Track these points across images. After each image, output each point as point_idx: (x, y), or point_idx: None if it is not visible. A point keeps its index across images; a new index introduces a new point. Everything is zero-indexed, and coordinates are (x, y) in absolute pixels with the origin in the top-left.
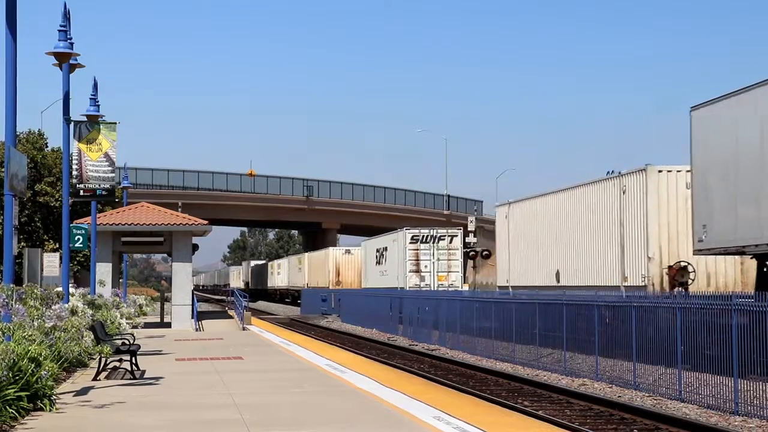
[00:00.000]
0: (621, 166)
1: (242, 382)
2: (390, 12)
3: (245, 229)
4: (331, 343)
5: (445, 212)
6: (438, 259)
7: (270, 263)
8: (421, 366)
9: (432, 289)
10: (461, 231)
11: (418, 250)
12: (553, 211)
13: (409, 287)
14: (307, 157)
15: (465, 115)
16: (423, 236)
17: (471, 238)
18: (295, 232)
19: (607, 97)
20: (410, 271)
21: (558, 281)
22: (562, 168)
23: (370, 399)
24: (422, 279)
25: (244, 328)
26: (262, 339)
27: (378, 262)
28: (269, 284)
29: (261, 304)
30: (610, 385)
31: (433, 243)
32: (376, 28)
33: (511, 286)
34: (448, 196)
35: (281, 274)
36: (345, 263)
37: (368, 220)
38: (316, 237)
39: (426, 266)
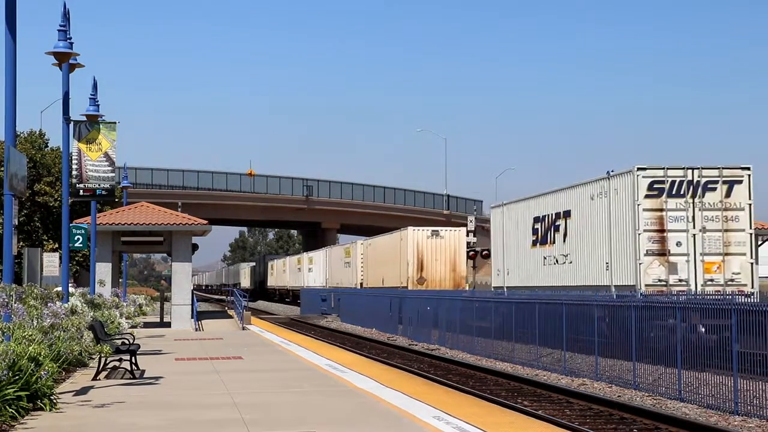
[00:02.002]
0: (621, 166)
1: (242, 382)
2: (390, 11)
3: (245, 229)
4: (330, 343)
5: (445, 212)
6: (704, 229)
7: (286, 259)
8: (421, 366)
9: (693, 288)
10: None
11: (662, 210)
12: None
13: (646, 286)
14: (307, 157)
15: (465, 115)
16: (673, 182)
17: (471, 238)
18: (295, 231)
19: (607, 97)
20: (649, 253)
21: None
22: (562, 168)
23: (370, 399)
24: (672, 268)
25: (243, 328)
26: (262, 339)
27: (542, 240)
28: (287, 283)
29: (277, 308)
30: (610, 385)
31: (695, 196)
32: (376, 28)
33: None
34: (448, 196)
35: (314, 270)
36: (431, 251)
37: (368, 220)
38: (315, 237)
39: (679, 243)
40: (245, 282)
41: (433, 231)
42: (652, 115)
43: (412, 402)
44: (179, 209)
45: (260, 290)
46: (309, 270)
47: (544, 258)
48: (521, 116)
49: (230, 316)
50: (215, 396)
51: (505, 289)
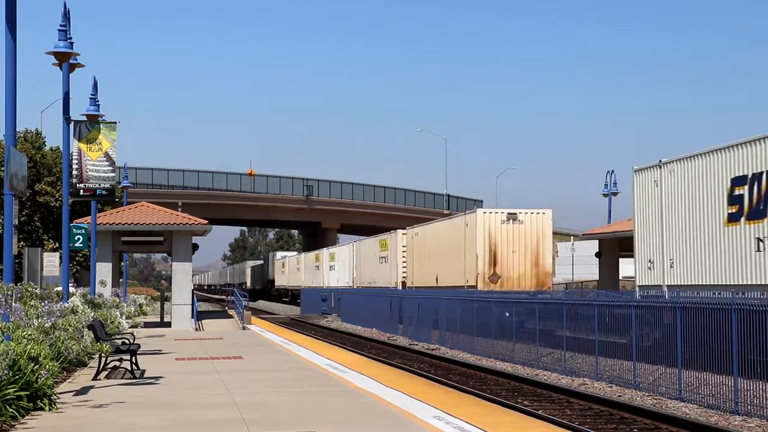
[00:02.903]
0: (621, 166)
1: (242, 382)
2: (390, 11)
3: (245, 229)
4: (331, 343)
5: (445, 212)
6: None
7: (301, 256)
8: (421, 366)
9: None
10: None
11: None
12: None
13: None
14: (307, 157)
15: (465, 114)
16: None
17: None
18: (295, 231)
19: (607, 97)
20: None
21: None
22: (562, 168)
23: (370, 398)
24: None
25: (244, 328)
26: (263, 338)
27: (753, 212)
28: (302, 282)
29: (277, 308)
30: (610, 385)
31: None
32: (376, 28)
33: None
34: (448, 195)
35: (336, 268)
36: (508, 240)
37: (368, 220)
38: (315, 237)
39: None
40: (252, 282)
41: (509, 214)
42: (652, 115)
43: (413, 402)
44: (179, 209)
45: (268, 291)
46: (330, 268)
47: (759, 241)
48: (521, 116)
49: (230, 316)
50: (215, 396)
51: (665, 289)
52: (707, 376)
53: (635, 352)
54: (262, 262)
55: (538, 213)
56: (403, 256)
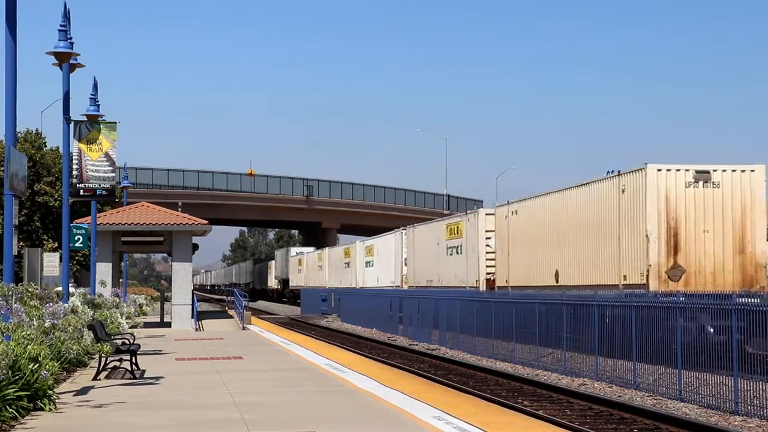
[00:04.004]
0: (621, 166)
1: (242, 382)
2: (390, 11)
3: (245, 229)
4: (331, 343)
5: (445, 212)
6: None
7: (324, 251)
8: (421, 366)
9: None
10: None
11: None
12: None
13: None
14: (307, 157)
15: (465, 114)
16: None
17: None
18: (295, 231)
19: (607, 97)
20: None
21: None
22: (563, 168)
23: (370, 399)
24: None
25: (244, 328)
26: (263, 339)
27: None
28: (325, 283)
29: (277, 308)
30: (610, 385)
31: None
32: (376, 28)
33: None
34: (448, 195)
35: (376, 264)
36: (696, 213)
37: (368, 220)
38: (316, 237)
39: None
40: (259, 281)
41: (698, 172)
42: (652, 115)
43: (413, 402)
44: (179, 209)
45: (281, 292)
46: (367, 264)
47: None
48: (521, 116)
49: (230, 316)
50: (215, 396)
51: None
52: (707, 377)
53: (635, 352)
54: (273, 259)
55: (742, 170)
56: (488, 245)
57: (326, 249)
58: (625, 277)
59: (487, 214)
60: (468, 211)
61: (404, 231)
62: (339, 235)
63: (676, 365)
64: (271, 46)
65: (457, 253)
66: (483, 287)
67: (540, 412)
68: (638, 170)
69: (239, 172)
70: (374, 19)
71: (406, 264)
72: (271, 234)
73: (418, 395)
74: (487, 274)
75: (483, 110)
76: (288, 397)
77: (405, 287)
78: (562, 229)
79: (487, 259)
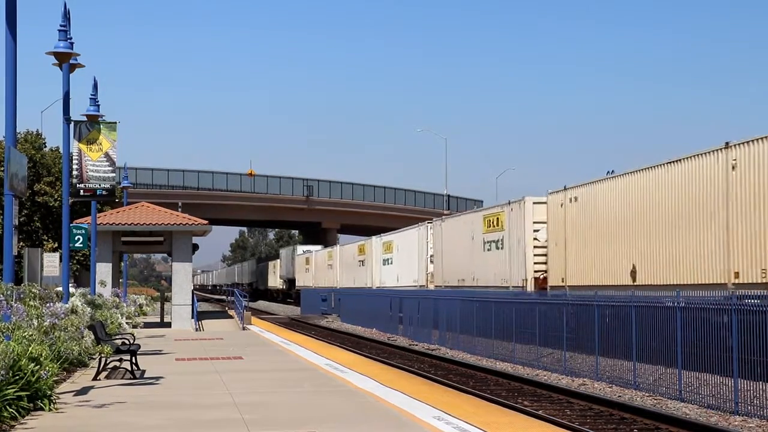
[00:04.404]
0: (621, 166)
1: (242, 382)
2: (390, 11)
3: (245, 229)
4: (331, 343)
5: (446, 212)
6: None
7: (335, 249)
8: (421, 366)
9: None
10: None
11: None
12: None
13: None
14: (307, 157)
15: (465, 114)
16: None
17: None
18: (295, 232)
19: (607, 97)
20: None
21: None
22: (563, 168)
23: (370, 399)
24: None
25: (244, 328)
26: (263, 339)
27: None
28: (336, 282)
29: (277, 308)
30: (610, 385)
31: None
32: (376, 28)
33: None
34: (448, 196)
35: (396, 262)
36: None
37: (368, 220)
38: (316, 237)
39: None
40: (263, 281)
41: None
42: (652, 115)
43: (413, 402)
44: (179, 209)
45: (287, 292)
46: (385, 262)
47: None
48: (521, 116)
49: (230, 317)
50: (216, 396)
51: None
52: (707, 377)
53: (635, 352)
54: (277, 258)
55: None
56: (536, 238)
57: (337, 246)
58: (737, 274)
59: (535, 203)
60: (510, 200)
61: (430, 224)
62: (339, 235)
63: (676, 365)
64: (271, 46)
65: (497, 248)
66: (531, 287)
67: (540, 412)
68: (758, 139)
69: (239, 172)
70: (374, 19)
71: (431, 261)
72: (271, 234)
73: (418, 395)
74: (536, 272)
75: (483, 110)
76: (288, 397)
77: (431, 287)
78: (641, 216)
79: (535, 255)
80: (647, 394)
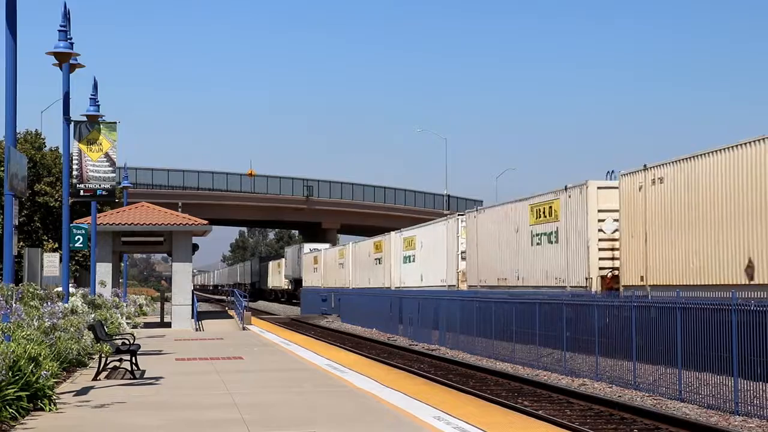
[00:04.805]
0: (621, 166)
1: (242, 382)
2: (390, 12)
3: (245, 229)
4: (331, 343)
5: (445, 212)
6: None
7: (348, 247)
8: (421, 366)
9: None
10: None
11: None
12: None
13: None
14: (307, 157)
15: (465, 114)
16: None
17: None
18: (295, 232)
19: (607, 97)
20: None
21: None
22: (563, 168)
23: (370, 399)
24: None
25: (244, 328)
26: (263, 339)
27: None
28: (348, 282)
29: (277, 308)
30: (610, 385)
31: None
32: (376, 28)
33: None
34: (448, 196)
35: (418, 260)
36: None
37: (368, 220)
38: (316, 237)
39: None
40: (262, 281)
41: None
42: (652, 115)
43: (413, 402)
44: (179, 209)
45: (292, 293)
46: (406, 260)
47: None
48: (521, 116)
49: (230, 317)
50: (215, 396)
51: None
52: (707, 377)
53: (635, 352)
54: (282, 257)
55: None
56: (602, 229)
57: (350, 244)
58: None
59: (600, 188)
60: (567, 185)
61: (461, 217)
62: (339, 235)
63: (676, 365)
64: (271, 46)
65: (550, 241)
66: (596, 287)
67: (540, 413)
68: None
69: (239, 172)
70: (374, 20)
71: (463, 258)
72: (271, 234)
73: (418, 395)
74: (602, 269)
75: (483, 110)
76: (288, 397)
77: (463, 287)
78: (761, 199)
79: (600, 249)
80: (647, 394)
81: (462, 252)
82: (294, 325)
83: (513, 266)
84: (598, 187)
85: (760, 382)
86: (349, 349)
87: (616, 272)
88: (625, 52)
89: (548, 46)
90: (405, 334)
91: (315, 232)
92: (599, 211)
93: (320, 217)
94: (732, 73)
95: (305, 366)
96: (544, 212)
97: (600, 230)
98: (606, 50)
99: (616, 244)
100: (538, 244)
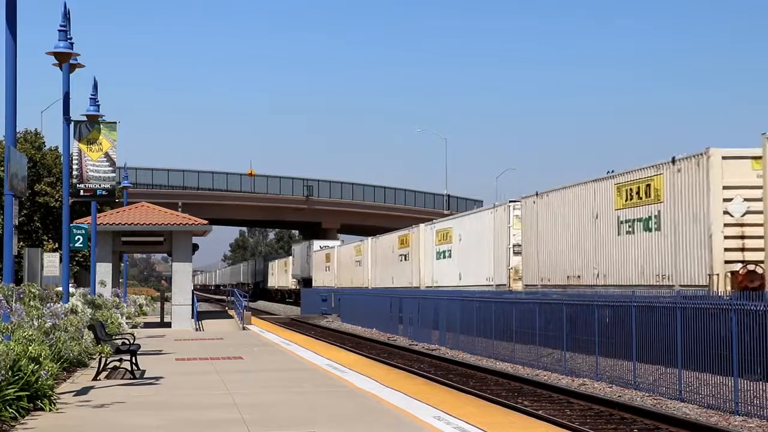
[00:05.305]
0: (621, 166)
1: (242, 382)
2: (390, 12)
3: (245, 229)
4: (331, 343)
5: (446, 212)
6: None
7: (366, 242)
8: (422, 366)
9: None
10: None
11: None
12: None
13: None
14: (307, 157)
15: (465, 114)
16: None
17: None
18: (295, 231)
19: (607, 97)
20: None
21: None
22: (563, 168)
23: (371, 399)
24: None
25: (244, 328)
26: (263, 339)
27: None
28: (367, 282)
29: (277, 308)
30: (610, 385)
31: None
32: (376, 28)
33: None
34: (449, 195)
35: (456, 255)
36: None
37: (368, 220)
38: (316, 237)
39: None
40: (264, 281)
41: None
42: (652, 115)
43: (413, 402)
44: (179, 209)
45: (299, 293)
46: (440, 255)
47: None
48: (521, 116)
49: (230, 317)
50: (216, 396)
51: None
52: (707, 377)
53: (635, 352)
54: (289, 255)
55: None
56: (728, 212)
57: (369, 239)
58: None
59: (725, 158)
60: (675, 156)
61: (513, 204)
62: (339, 235)
63: (676, 365)
64: (271, 46)
65: (648, 229)
66: (723, 286)
67: (540, 413)
68: None
69: (239, 172)
70: (374, 20)
71: (516, 253)
72: (271, 234)
73: (418, 395)
74: (728, 262)
75: (483, 110)
76: (288, 397)
77: (516, 287)
78: None
79: (726, 238)
80: (647, 394)
81: (515, 245)
82: (294, 325)
83: (590, 262)
84: (723, 157)
85: (761, 382)
86: (349, 349)
87: (752, 266)
88: (625, 52)
89: (548, 46)
90: (405, 334)
91: (315, 232)
92: (725, 188)
93: (320, 217)
94: (732, 73)
95: (305, 366)
96: (638, 192)
97: (726, 212)
98: (606, 50)
99: (749, 231)
100: (628, 232)
